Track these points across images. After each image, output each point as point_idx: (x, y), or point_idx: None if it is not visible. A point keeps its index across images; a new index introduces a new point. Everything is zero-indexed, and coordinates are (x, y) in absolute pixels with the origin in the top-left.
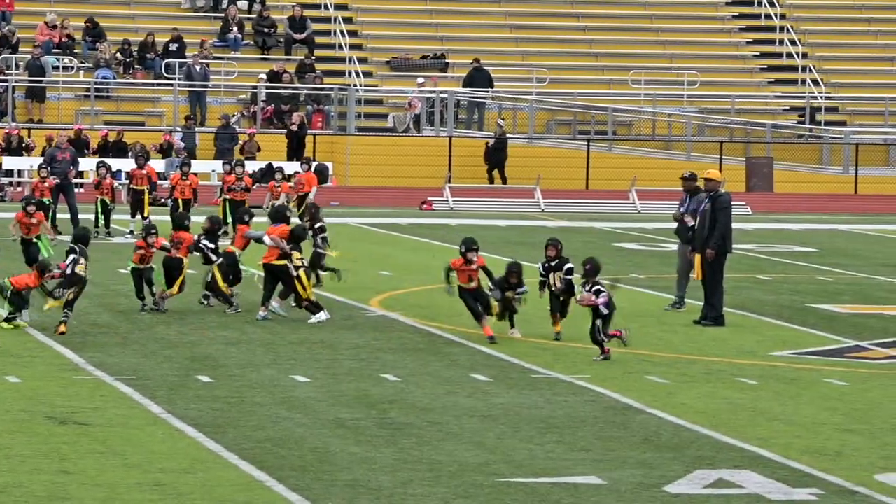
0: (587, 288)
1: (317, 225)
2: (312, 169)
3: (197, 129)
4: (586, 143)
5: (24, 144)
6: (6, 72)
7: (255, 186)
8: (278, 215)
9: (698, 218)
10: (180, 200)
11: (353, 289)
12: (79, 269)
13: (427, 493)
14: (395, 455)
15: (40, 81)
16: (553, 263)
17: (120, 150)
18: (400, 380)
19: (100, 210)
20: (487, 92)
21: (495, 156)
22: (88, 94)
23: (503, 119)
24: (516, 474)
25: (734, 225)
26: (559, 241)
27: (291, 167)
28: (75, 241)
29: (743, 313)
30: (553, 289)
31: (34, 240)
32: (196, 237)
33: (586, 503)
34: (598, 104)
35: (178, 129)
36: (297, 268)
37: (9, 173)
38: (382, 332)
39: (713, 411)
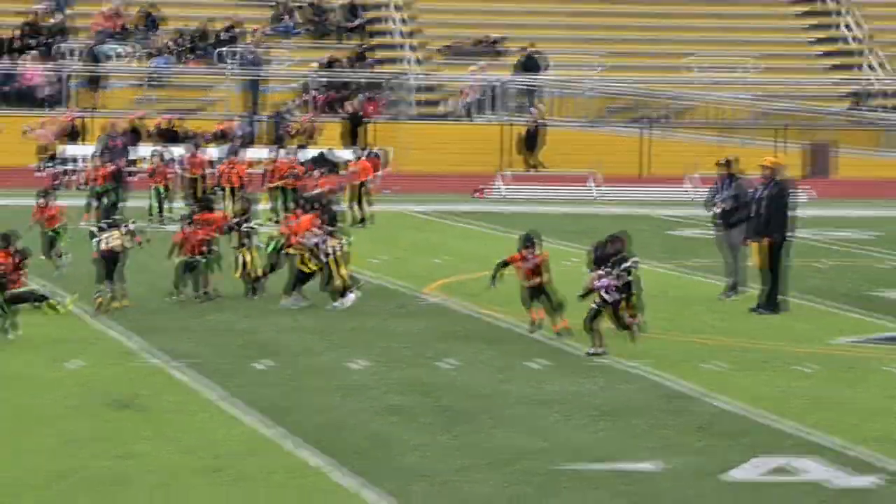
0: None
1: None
2: (368, 156)
3: (256, 117)
4: (642, 129)
5: (77, 131)
6: (63, 60)
7: (305, 175)
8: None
9: (756, 206)
10: (227, 188)
11: (408, 276)
12: (113, 243)
13: (482, 479)
14: (449, 441)
15: (97, 70)
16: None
17: (175, 137)
18: (454, 367)
19: (154, 198)
20: (542, 78)
21: (531, 142)
22: (144, 82)
23: (541, 104)
24: (571, 461)
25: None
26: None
27: (348, 155)
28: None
29: (801, 300)
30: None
31: (51, 232)
32: (232, 221)
33: (642, 490)
34: (654, 90)
35: (239, 116)
36: (327, 254)
37: (66, 161)
38: (437, 319)
39: (771, 398)
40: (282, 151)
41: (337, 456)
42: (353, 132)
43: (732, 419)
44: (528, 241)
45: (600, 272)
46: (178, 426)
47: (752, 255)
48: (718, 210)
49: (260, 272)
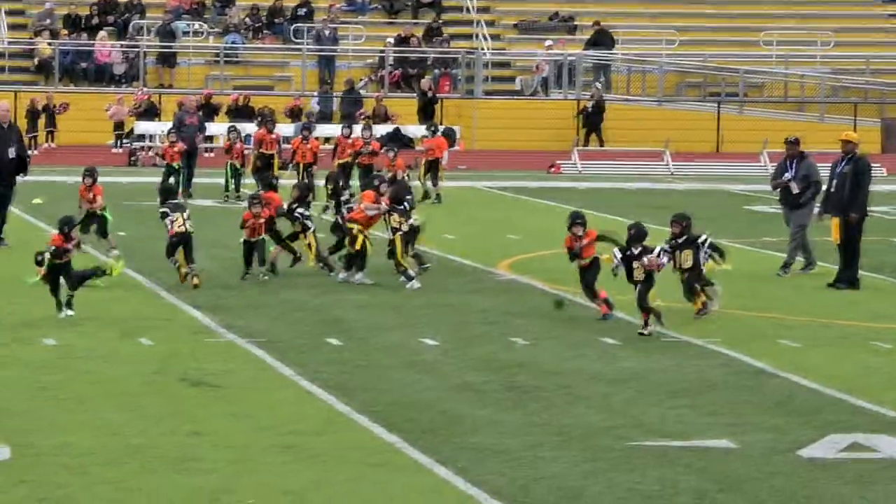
0: (652, 253)
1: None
2: (440, 133)
3: (333, 93)
4: (717, 105)
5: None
6: (137, 37)
7: (382, 150)
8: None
9: (835, 181)
10: (301, 164)
11: (482, 253)
12: (177, 227)
13: (555, 456)
14: (523, 418)
15: (171, 47)
16: (680, 241)
17: (248, 114)
18: (528, 343)
19: (230, 174)
20: (614, 54)
21: (592, 119)
22: (218, 59)
23: (600, 82)
24: (645, 438)
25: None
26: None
27: (420, 132)
28: (164, 199)
29: (878, 277)
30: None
31: (98, 212)
32: (287, 206)
33: (718, 467)
34: (728, 66)
35: (316, 93)
36: (395, 230)
37: (140, 138)
38: (511, 295)
39: (847, 375)
40: (356, 128)
41: (409, 433)
42: (426, 109)
43: (807, 396)
44: (577, 218)
45: (665, 250)
46: (251, 403)
47: (833, 230)
48: (796, 190)
49: (326, 252)
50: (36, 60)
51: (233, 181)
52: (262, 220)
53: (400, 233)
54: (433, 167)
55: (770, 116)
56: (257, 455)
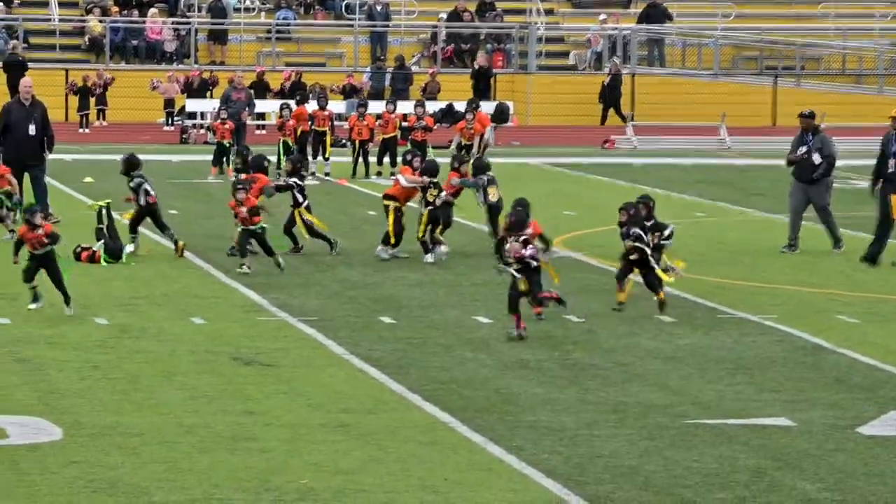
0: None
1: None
2: (481, 110)
3: (385, 69)
4: (773, 78)
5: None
6: (189, 14)
7: (436, 126)
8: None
9: (892, 160)
10: (357, 141)
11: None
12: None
13: (612, 434)
14: (578, 396)
15: (222, 23)
16: (630, 230)
17: (301, 91)
18: (583, 320)
19: (282, 151)
20: (669, 28)
21: (611, 94)
22: (269, 35)
23: (617, 57)
24: (703, 416)
25: None
26: (633, 206)
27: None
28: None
29: None
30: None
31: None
32: (283, 180)
33: (776, 445)
34: (785, 38)
35: (367, 69)
36: (427, 203)
37: (192, 115)
38: (565, 272)
39: None
40: (405, 104)
41: (463, 412)
42: (480, 85)
43: (866, 372)
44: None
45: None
46: (303, 382)
47: (894, 207)
48: (819, 160)
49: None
50: (87, 38)
51: (285, 158)
52: (245, 208)
53: (430, 208)
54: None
55: (827, 90)
56: (310, 434)
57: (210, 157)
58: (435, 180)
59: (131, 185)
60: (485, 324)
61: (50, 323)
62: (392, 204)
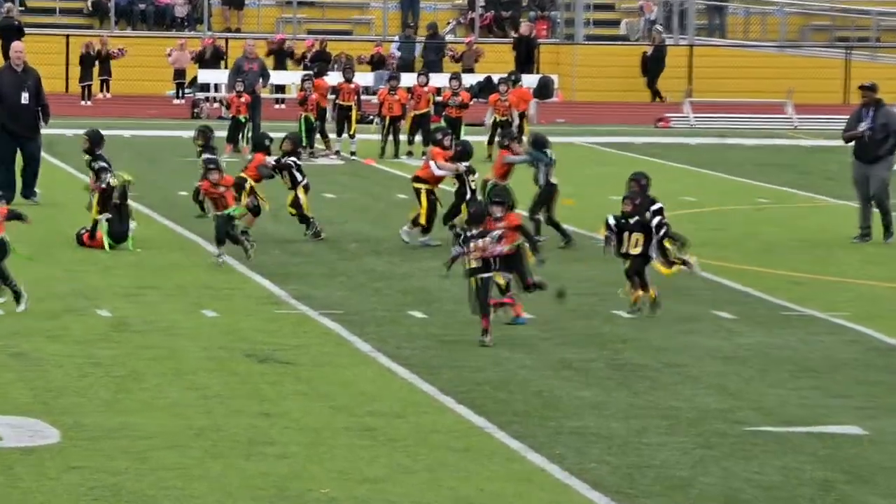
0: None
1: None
2: (522, 85)
3: (415, 38)
4: (845, 51)
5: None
6: None
7: (472, 102)
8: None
9: None
10: (387, 117)
11: (582, 216)
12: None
13: (664, 442)
14: (627, 400)
15: None
16: (631, 221)
17: (324, 62)
18: (633, 317)
19: (304, 128)
20: None
21: (654, 66)
22: (290, 0)
23: (661, 25)
24: (765, 422)
25: None
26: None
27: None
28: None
29: None
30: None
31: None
32: (277, 159)
33: (846, 456)
34: (859, 6)
35: (396, 38)
36: (462, 194)
37: (204, 87)
38: (615, 263)
39: None
40: (439, 77)
41: (500, 416)
42: (524, 56)
43: None
44: (496, 197)
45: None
46: (325, 381)
47: None
48: (869, 133)
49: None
50: (90, 2)
51: (306, 135)
52: (222, 190)
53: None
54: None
55: None
56: (333, 438)
57: (224, 133)
58: (470, 165)
59: (95, 167)
60: (524, 319)
61: (49, 315)
62: (423, 187)
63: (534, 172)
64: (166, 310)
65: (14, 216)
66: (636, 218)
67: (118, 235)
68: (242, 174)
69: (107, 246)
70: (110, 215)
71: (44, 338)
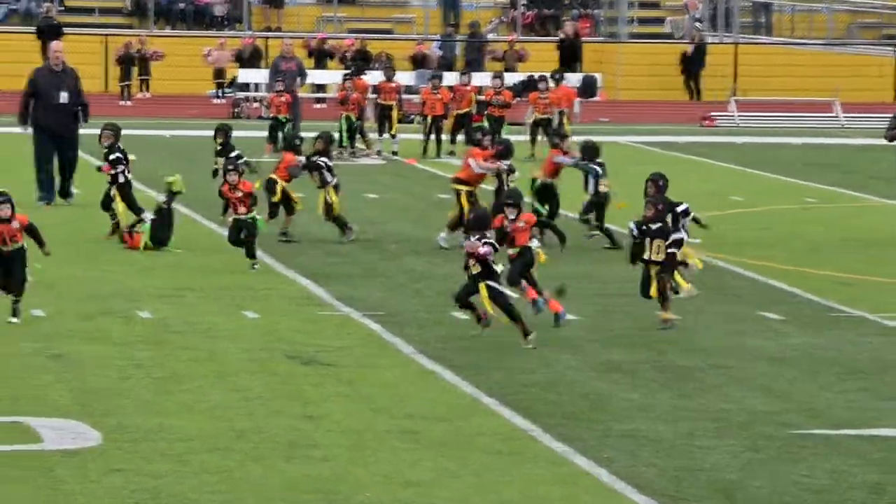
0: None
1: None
2: (566, 83)
3: (455, 37)
4: (894, 48)
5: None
6: None
7: (515, 101)
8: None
9: None
10: (430, 117)
11: (625, 216)
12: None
13: (712, 445)
14: (675, 402)
15: None
16: (653, 227)
17: (364, 61)
18: (680, 318)
19: (344, 127)
20: None
21: (693, 64)
22: None
23: (701, 21)
24: (813, 425)
25: None
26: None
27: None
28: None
29: None
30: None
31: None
32: (307, 157)
33: None
34: None
35: (437, 37)
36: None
37: (244, 87)
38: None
39: None
40: (483, 76)
41: (545, 418)
42: (568, 55)
43: None
44: (509, 198)
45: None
46: (367, 383)
47: None
48: None
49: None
50: (129, 1)
51: (347, 135)
52: (240, 194)
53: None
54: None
55: None
56: (375, 441)
57: (264, 133)
58: (511, 164)
59: (111, 157)
60: (570, 321)
61: (88, 315)
62: (463, 188)
63: (583, 179)
64: (206, 311)
65: (31, 230)
66: (658, 224)
67: (160, 240)
68: (272, 175)
69: (142, 246)
70: (153, 216)
71: (83, 339)
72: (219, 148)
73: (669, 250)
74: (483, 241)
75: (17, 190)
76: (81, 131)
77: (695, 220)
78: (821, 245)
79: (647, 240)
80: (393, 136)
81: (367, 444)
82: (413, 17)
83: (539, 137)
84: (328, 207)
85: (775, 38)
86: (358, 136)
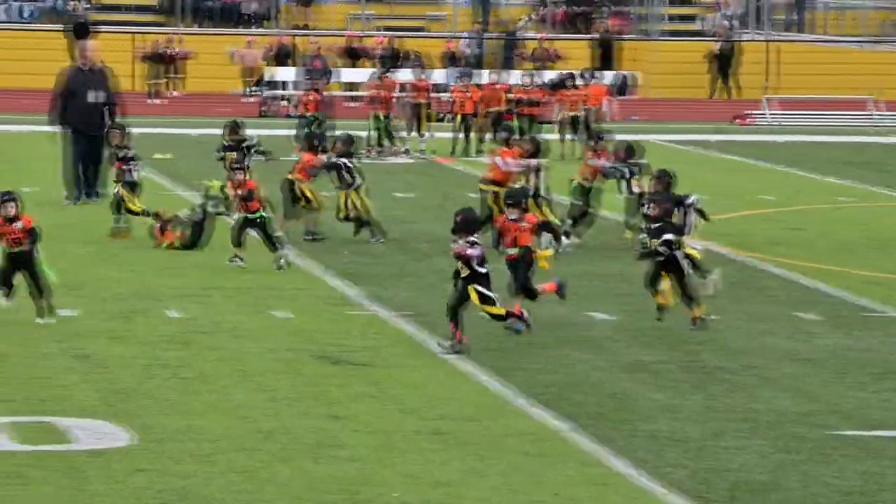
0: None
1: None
2: (597, 80)
3: (483, 34)
4: None
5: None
6: None
7: (546, 99)
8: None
9: None
10: (459, 115)
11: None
12: None
13: (742, 446)
14: (704, 403)
15: None
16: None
17: (394, 59)
18: (711, 317)
19: (375, 126)
20: None
21: (724, 62)
22: None
23: (729, 21)
24: (845, 426)
25: None
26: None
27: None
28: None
29: None
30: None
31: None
32: (329, 158)
33: None
34: None
35: (465, 34)
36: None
37: (273, 85)
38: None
39: None
40: (514, 74)
41: (576, 418)
42: (604, 54)
43: None
44: (510, 197)
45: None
46: (395, 384)
47: None
48: None
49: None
50: None
51: (377, 134)
52: (244, 192)
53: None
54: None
55: None
56: (403, 442)
57: (292, 132)
58: (539, 162)
59: (125, 156)
60: (599, 320)
61: (114, 315)
62: (491, 189)
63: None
64: (233, 311)
65: (33, 235)
66: (659, 223)
67: (191, 243)
68: (290, 176)
69: (165, 244)
70: (191, 217)
71: (109, 339)
72: (227, 143)
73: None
74: (473, 243)
75: (44, 189)
76: None
77: (700, 211)
78: (854, 245)
79: (651, 239)
80: (422, 135)
81: (394, 444)
82: (445, 14)
83: (568, 136)
84: (354, 209)
85: (809, 36)
86: (392, 134)
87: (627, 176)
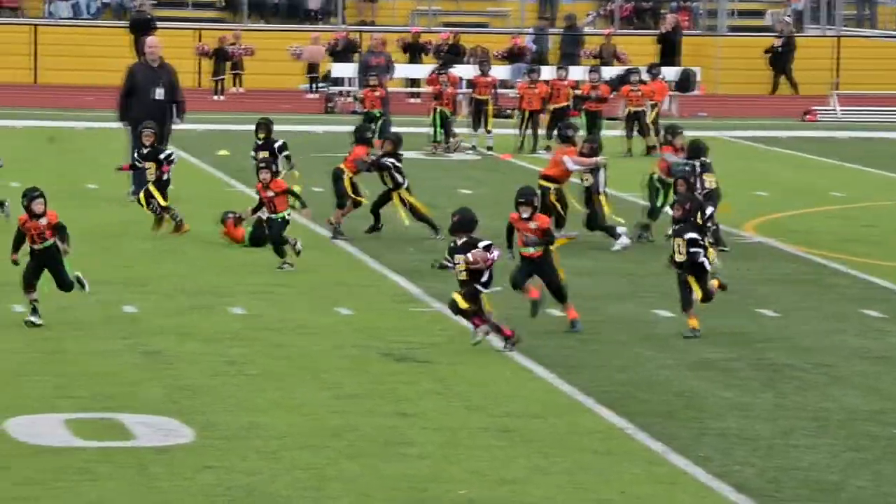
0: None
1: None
2: (661, 77)
3: (548, 30)
4: None
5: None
6: None
7: (612, 95)
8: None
9: None
10: (526, 111)
11: (725, 212)
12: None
13: (811, 444)
14: (773, 401)
15: None
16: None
17: (456, 55)
18: (779, 315)
19: (437, 123)
20: None
21: (782, 59)
22: None
23: (788, 15)
24: None
25: None
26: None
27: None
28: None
29: None
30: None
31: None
32: (376, 157)
33: None
34: None
35: (530, 30)
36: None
37: (337, 82)
38: (759, 261)
39: None
40: (576, 70)
41: (642, 416)
42: (669, 50)
43: None
44: (522, 196)
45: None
46: (462, 381)
47: None
48: None
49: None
50: None
51: (441, 130)
52: (270, 194)
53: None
54: (641, 115)
55: None
56: (469, 439)
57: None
58: (604, 160)
59: (162, 156)
60: (666, 318)
61: (179, 311)
62: (552, 186)
63: None
64: (299, 308)
65: (60, 229)
66: (681, 224)
67: (256, 240)
68: (340, 166)
69: (246, 240)
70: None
71: (175, 336)
72: (260, 143)
73: (691, 250)
74: (490, 247)
75: (107, 185)
76: (177, 128)
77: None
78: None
79: (674, 240)
80: (488, 132)
81: (461, 441)
82: (508, 10)
83: (634, 132)
84: (412, 208)
85: (880, 31)
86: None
87: (687, 171)
